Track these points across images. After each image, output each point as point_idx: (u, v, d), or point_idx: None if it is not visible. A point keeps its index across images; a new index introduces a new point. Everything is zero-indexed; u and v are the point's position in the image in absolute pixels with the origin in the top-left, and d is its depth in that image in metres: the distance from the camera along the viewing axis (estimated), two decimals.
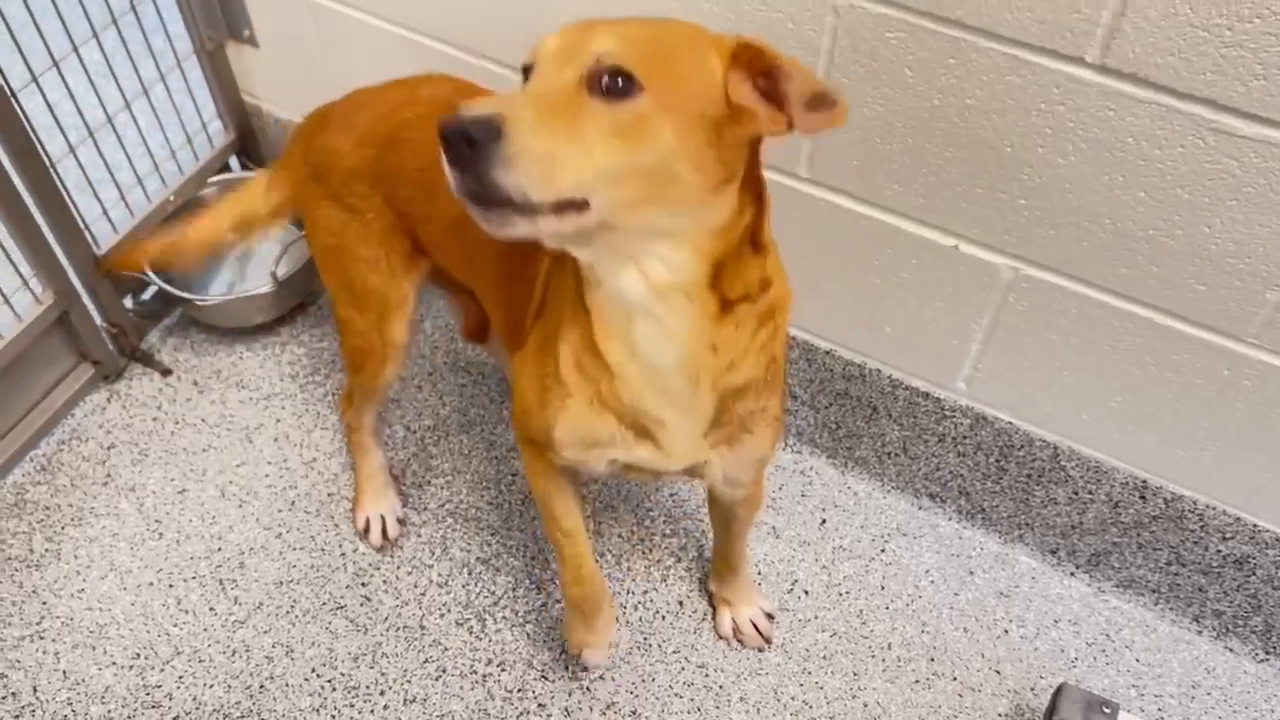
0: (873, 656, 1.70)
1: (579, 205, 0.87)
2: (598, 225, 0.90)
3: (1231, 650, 1.71)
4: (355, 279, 1.50)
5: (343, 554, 1.80)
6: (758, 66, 0.92)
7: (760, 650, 1.70)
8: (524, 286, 1.28)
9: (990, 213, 1.40)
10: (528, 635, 1.71)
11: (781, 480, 1.90)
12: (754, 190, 1.00)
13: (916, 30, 1.28)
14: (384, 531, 1.80)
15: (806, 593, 1.77)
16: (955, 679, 1.68)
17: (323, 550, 1.80)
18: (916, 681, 1.68)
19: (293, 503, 1.86)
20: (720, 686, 1.67)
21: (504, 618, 1.73)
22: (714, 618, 1.73)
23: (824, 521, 1.86)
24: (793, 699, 1.65)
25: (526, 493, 1.88)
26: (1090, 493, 1.66)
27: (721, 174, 0.94)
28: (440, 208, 1.38)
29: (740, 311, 1.04)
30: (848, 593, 1.77)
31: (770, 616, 1.72)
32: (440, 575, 1.77)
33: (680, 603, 1.76)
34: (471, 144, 0.82)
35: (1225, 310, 1.33)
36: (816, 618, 1.74)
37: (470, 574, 1.78)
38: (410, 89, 1.44)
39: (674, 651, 1.70)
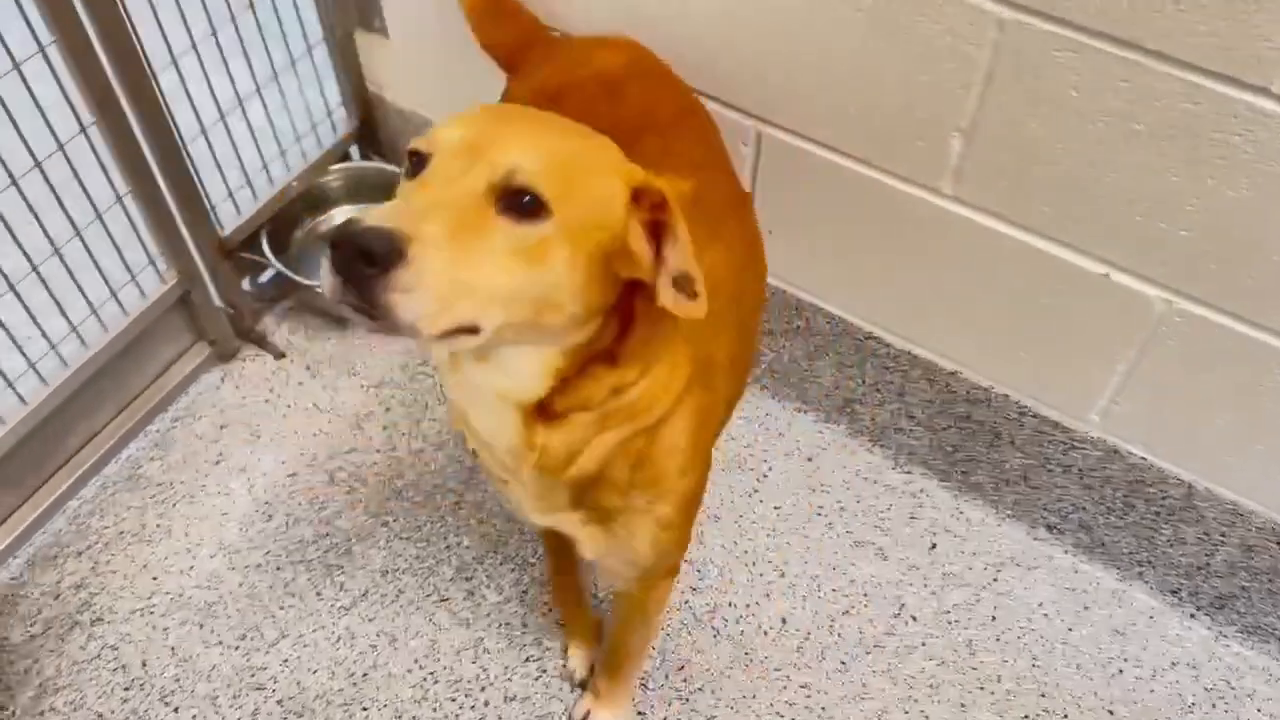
0: (981, 689, 1.66)
1: (469, 330, 0.82)
2: (477, 347, 0.87)
3: None
4: None
5: (448, 546, 1.80)
6: (655, 213, 0.88)
7: None
8: None
9: (1147, 242, 1.35)
10: None
11: (891, 500, 1.86)
12: (622, 313, 0.94)
13: (1086, 50, 1.23)
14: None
15: (914, 618, 1.73)
16: (1066, 717, 1.63)
17: (428, 541, 1.80)
18: (1026, 717, 1.63)
19: (400, 492, 1.86)
20: (822, 709, 1.64)
21: (606, 621, 1.71)
22: (573, 704, 1.63)
23: (934, 546, 1.81)
24: None
25: None
26: (1223, 535, 1.59)
27: (599, 304, 0.90)
28: None
29: (573, 419, 0.98)
30: (957, 621, 1.73)
31: None
32: (542, 574, 1.76)
33: (784, 620, 1.73)
34: (370, 262, 0.74)
35: None
36: (924, 644, 1.70)
37: None
38: (588, 49, 1.47)
39: (776, 669, 1.68)
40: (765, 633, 1.72)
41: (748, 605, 1.75)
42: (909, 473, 1.90)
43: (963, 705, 1.64)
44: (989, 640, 1.71)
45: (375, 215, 0.76)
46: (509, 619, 1.72)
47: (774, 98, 1.55)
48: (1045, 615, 1.74)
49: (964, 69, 1.33)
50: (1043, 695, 1.65)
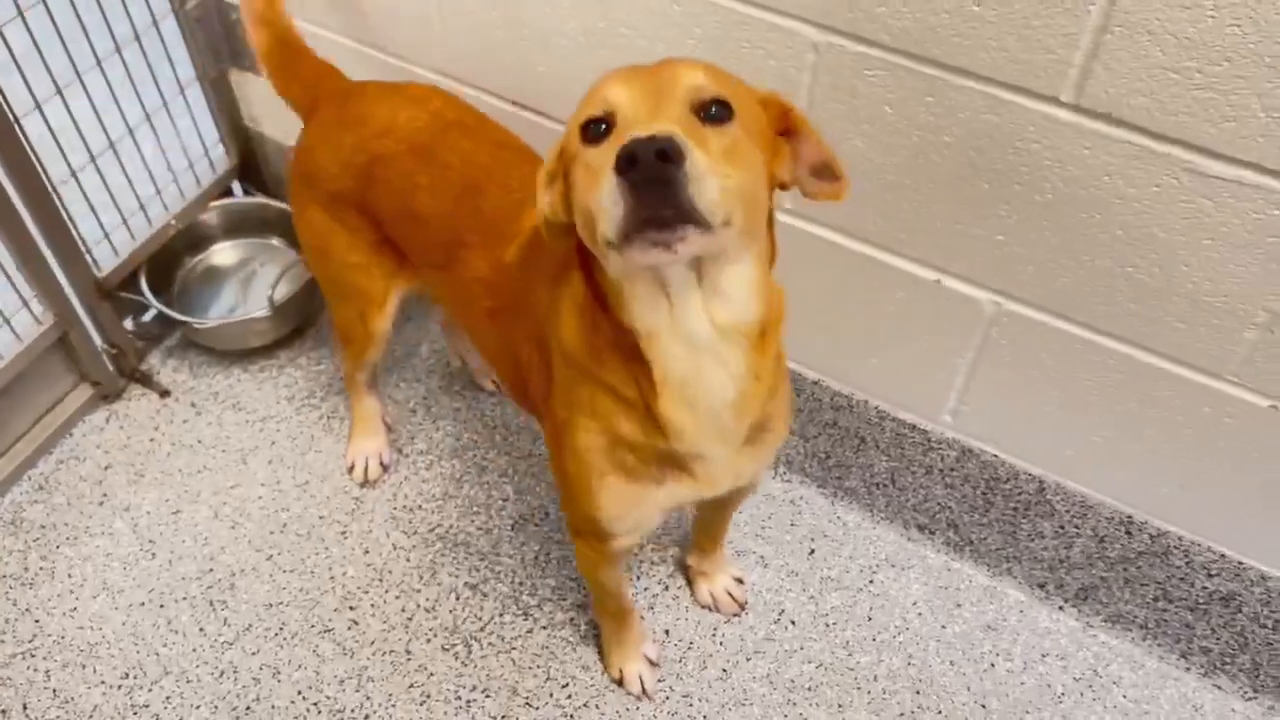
0: (858, 689, 1.70)
1: (726, 224, 0.90)
2: (719, 249, 0.95)
3: (1219, 688, 1.69)
4: (340, 278, 1.60)
5: (332, 577, 1.81)
6: (781, 121, 1.01)
7: (736, 615, 1.77)
8: (524, 346, 1.32)
9: (971, 248, 1.41)
10: (513, 661, 1.71)
11: (771, 509, 1.90)
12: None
13: (894, 68, 1.29)
14: (366, 472, 1.93)
15: (793, 623, 1.77)
16: (940, 713, 1.67)
17: (312, 573, 1.82)
18: (901, 715, 1.67)
19: (284, 525, 1.88)
20: (704, 717, 1.67)
21: (490, 644, 1.74)
22: (691, 590, 1.80)
23: (812, 551, 1.86)
24: None
25: (516, 518, 1.89)
26: (1076, 527, 1.65)
27: (769, 202, 1.01)
28: (423, 243, 1.44)
29: (769, 336, 1.09)
30: (834, 623, 1.77)
31: (740, 581, 1.79)
32: (428, 600, 1.78)
33: (667, 631, 1.76)
34: (666, 159, 0.82)
35: (1205, 348, 1.33)
36: (802, 648, 1.74)
37: (458, 599, 1.79)
38: (390, 109, 1.46)
39: (659, 680, 1.70)
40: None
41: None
42: (788, 480, 1.94)
43: (840, 706, 1.68)
44: (865, 641, 1.75)
45: (643, 128, 0.85)
46: (393, 646, 1.73)
47: None
48: (920, 614, 1.78)
49: (789, 90, 1.39)
50: (918, 692, 1.70)
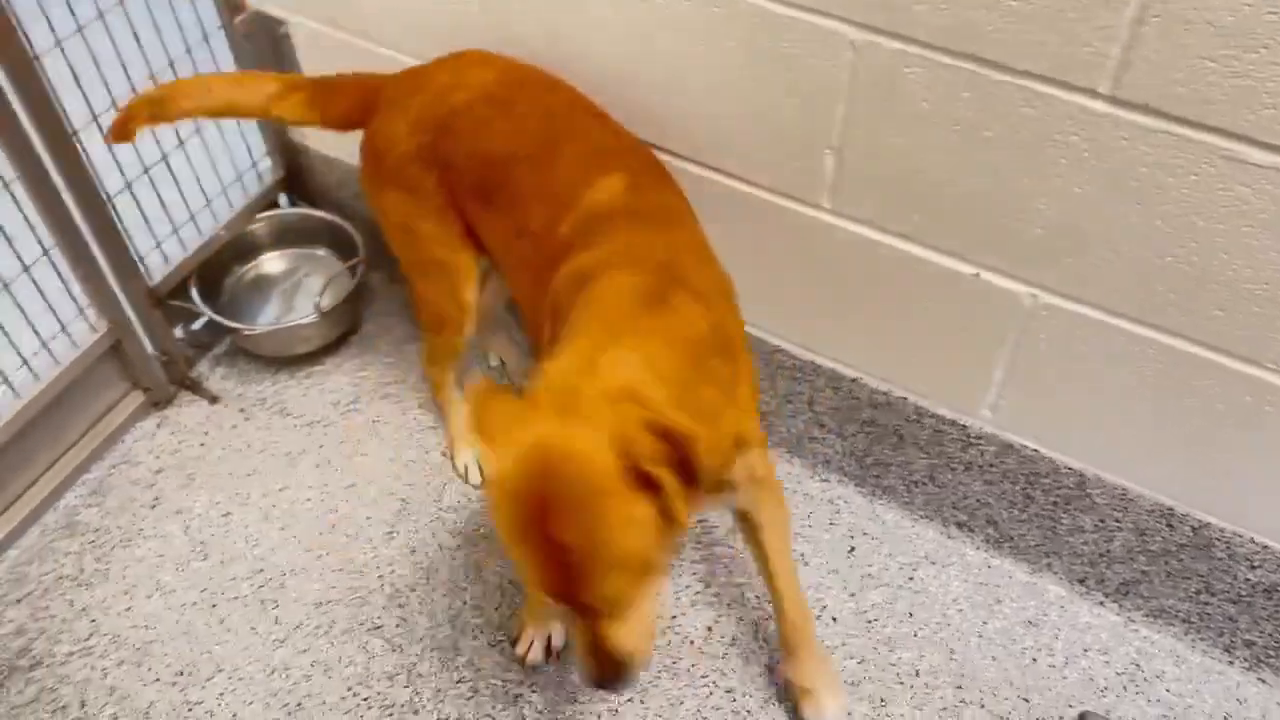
0: (900, 683, 1.71)
1: None
2: None
3: (1264, 681, 1.69)
4: (423, 254, 1.64)
5: (380, 576, 1.85)
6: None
7: None
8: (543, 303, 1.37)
9: (1009, 242, 1.43)
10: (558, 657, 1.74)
11: (810, 508, 1.92)
12: None
13: (932, 64, 1.32)
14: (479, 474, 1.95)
15: (835, 619, 1.79)
16: (983, 706, 1.68)
17: (360, 572, 1.85)
18: (944, 709, 1.68)
19: (333, 526, 1.91)
20: (748, 712, 1.68)
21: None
22: (797, 711, 1.67)
23: (852, 549, 1.87)
24: None
25: None
26: (1117, 520, 1.66)
27: None
28: (488, 187, 1.49)
29: None
30: (875, 620, 1.78)
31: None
32: (474, 597, 1.81)
33: (709, 628, 1.78)
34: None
35: (1245, 336, 1.34)
36: (844, 644, 1.75)
37: (503, 595, 1.81)
38: (455, 71, 1.55)
39: (703, 676, 1.72)
40: (691, 642, 1.77)
41: (674, 617, 1.80)
42: (826, 480, 1.96)
43: (882, 700, 1.69)
44: (906, 637, 1.76)
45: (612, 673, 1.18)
46: (441, 643, 1.76)
47: (662, 126, 1.63)
48: (960, 610, 1.79)
49: (828, 90, 1.42)
50: (959, 687, 1.71)
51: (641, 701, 1.70)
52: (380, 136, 1.57)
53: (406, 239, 1.65)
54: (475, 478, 1.95)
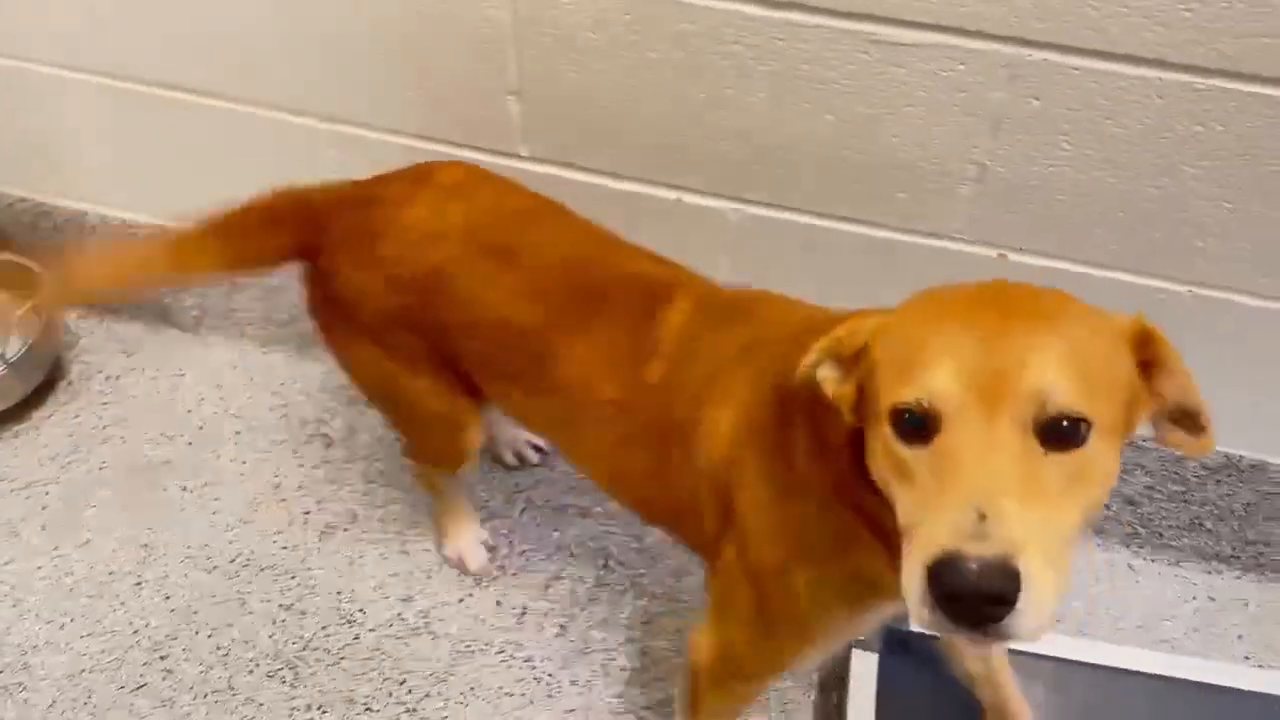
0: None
1: None
2: None
3: None
4: (415, 409, 1.40)
5: (135, 631, 1.70)
6: (1142, 352, 0.82)
7: None
8: (681, 477, 1.14)
9: (703, 162, 1.44)
10: (344, 671, 1.66)
11: None
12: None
13: None
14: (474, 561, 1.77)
15: (621, 563, 1.78)
16: None
17: (112, 633, 1.70)
18: None
19: (71, 589, 1.75)
20: (549, 675, 1.66)
21: (317, 659, 1.67)
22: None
23: None
24: None
25: (322, 528, 1.82)
26: None
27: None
28: (507, 359, 1.24)
29: None
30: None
31: None
32: (242, 631, 1.70)
33: (498, 602, 1.74)
34: (998, 601, 0.68)
35: (925, 212, 1.40)
36: (634, 585, 1.76)
37: (275, 623, 1.71)
38: (435, 208, 1.24)
39: (499, 650, 1.69)
40: (482, 620, 1.72)
41: (460, 600, 1.75)
42: None
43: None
44: None
45: (964, 526, 0.69)
46: (214, 685, 1.64)
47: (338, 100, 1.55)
48: None
49: (495, 35, 1.38)
50: None
51: (440, 694, 1.64)
52: (349, 287, 1.27)
53: (389, 394, 1.41)
54: (475, 568, 1.76)
